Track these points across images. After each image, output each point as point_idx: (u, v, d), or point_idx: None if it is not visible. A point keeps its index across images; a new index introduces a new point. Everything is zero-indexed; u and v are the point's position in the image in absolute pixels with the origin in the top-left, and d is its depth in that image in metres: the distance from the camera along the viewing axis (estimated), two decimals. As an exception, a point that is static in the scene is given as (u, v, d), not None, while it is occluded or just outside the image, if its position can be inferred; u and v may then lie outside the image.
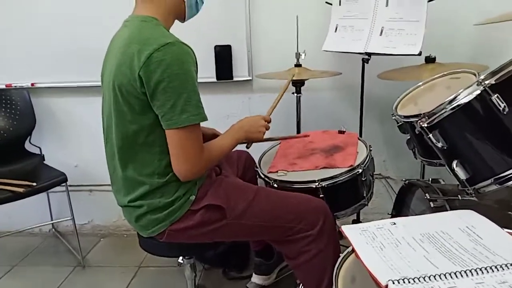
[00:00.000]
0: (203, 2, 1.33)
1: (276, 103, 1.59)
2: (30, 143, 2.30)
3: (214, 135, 1.51)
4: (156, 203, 1.24)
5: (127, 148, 1.22)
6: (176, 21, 1.33)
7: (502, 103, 1.02)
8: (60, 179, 2.08)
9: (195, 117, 1.14)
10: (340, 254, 0.91)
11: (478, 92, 1.04)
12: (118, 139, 1.22)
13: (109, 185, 1.39)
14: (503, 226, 1.01)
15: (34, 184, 1.99)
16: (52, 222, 2.48)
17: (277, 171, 1.52)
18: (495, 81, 1.03)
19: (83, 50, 2.15)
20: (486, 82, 1.04)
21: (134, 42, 1.14)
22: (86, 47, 2.14)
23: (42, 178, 2.06)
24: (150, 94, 1.12)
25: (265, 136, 1.48)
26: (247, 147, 1.52)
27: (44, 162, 2.28)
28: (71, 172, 2.19)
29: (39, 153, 2.31)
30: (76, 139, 2.40)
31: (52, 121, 2.38)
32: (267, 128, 1.48)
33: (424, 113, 1.16)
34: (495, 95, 1.03)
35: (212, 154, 1.27)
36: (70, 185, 2.16)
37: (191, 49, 1.16)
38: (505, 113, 1.03)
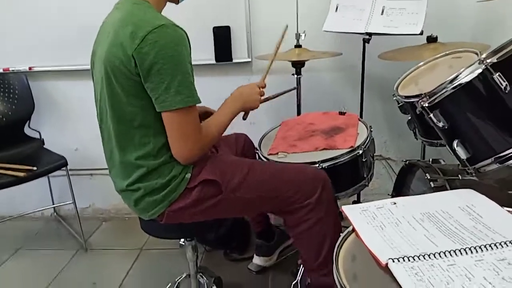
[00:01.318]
0: None
1: (269, 65, 1.55)
2: (29, 127, 2.30)
3: (206, 112, 1.50)
4: (153, 185, 1.24)
5: (124, 131, 1.21)
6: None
7: (504, 81, 1.01)
8: (60, 163, 2.08)
9: (190, 99, 1.14)
10: (341, 234, 0.91)
11: (480, 71, 1.03)
12: (114, 122, 1.21)
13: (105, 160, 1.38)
14: (503, 205, 1.02)
15: (35, 168, 1.99)
16: (53, 206, 2.50)
17: (277, 153, 1.52)
18: (497, 59, 1.02)
19: (80, 33, 2.12)
20: (488, 60, 1.02)
21: (126, 24, 1.13)
22: (83, 30, 2.10)
23: (42, 162, 2.07)
24: (143, 76, 1.11)
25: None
26: (244, 118, 1.49)
27: (44, 146, 2.28)
28: (71, 155, 2.19)
29: (39, 137, 2.31)
30: (76, 122, 2.39)
31: (51, 105, 2.37)
32: (262, 95, 1.47)
33: (425, 93, 1.15)
34: (497, 74, 1.01)
35: (211, 133, 1.27)
36: (70, 169, 2.16)
37: (185, 31, 1.15)
38: (506, 92, 1.01)
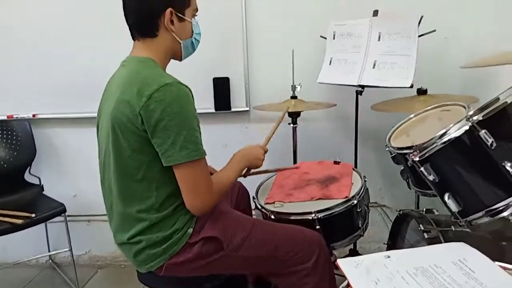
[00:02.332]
0: (199, 41, 1.38)
1: (271, 134, 1.63)
2: (30, 173, 2.32)
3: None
4: (155, 238, 1.25)
5: (126, 184, 1.24)
6: None
7: (490, 138, 1.06)
8: (59, 209, 2.09)
9: (195, 152, 1.18)
10: (336, 289, 0.93)
11: (467, 128, 1.09)
12: (117, 175, 1.24)
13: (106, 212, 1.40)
14: (496, 257, 1.03)
15: (33, 215, 2.00)
16: (49, 254, 2.47)
17: (273, 202, 1.55)
18: (482, 117, 1.08)
19: (83, 82, 2.21)
20: (474, 118, 1.08)
21: (133, 82, 1.18)
22: (87, 79, 2.20)
23: (41, 209, 2.07)
24: (150, 132, 1.16)
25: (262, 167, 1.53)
26: (245, 176, 1.54)
27: (43, 192, 2.29)
28: (70, 202, 2.20)
29: (39, 183, 2.33)
30: (75, 169, 2.43)
31: (52, 152, 2.41)
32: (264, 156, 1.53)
33: (415, 147, 1.20)
34: (483, 131, 1.07)
35: (221, 185, 1.31)
36: (68, 215, 2.17)
37: (189, 88, 1.21)
38: (493, 148, 1.06)
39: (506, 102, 1.08)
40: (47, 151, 2.40)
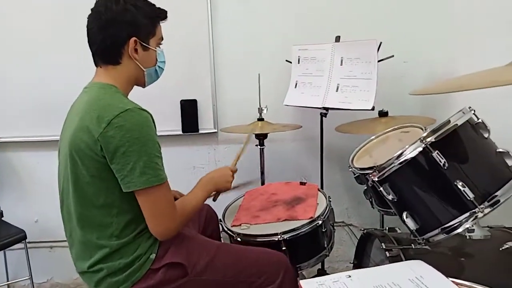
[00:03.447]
0: (163, 69, 1.39)
1: (239, 155, 1.66)
2: (-12, 199, 2.24)
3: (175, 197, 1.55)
4: (116, 265, 1.23)
5: (85, 211, 1.22)
6: None
7: (442, 159, 1.12)
8: (19, 236, 2.01)
9: (155, 178, 1.17)
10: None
11: (421, 149, 1.14)
12: (76, 202, 1.22)
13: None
14: (455, 272, 1.07)
15: (-9, 243, 1.92)
16: (8, 283, 2.35)
17: (240, 225, 1.55)
18: (435, 138, 1.14)
19: (46, 105, 2.17)
20: (428, 139, 1.14)
21: (93, 108, 1.18)
22: (49, 102, 2.16)
23: (0, 236, 1.99)
24: (109, 158, 1.15)
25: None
26: (214, 200, 1.55)
27: (3, 218, 2.20)
28: (31, 227, 2.13)
29: (-3, 209, 2.24)
30: (37, 193, 2.34)
31: (12, 176, 2.33)
32: (233, 178, 1.55)
33: (375, 167, 1.24)
34: (436, 152, 1.12)
35: (186, 209, 1.30)
36: (29, 242, 2.09)
37: (150, 113, 1.21)
38: (445, 168, 1.12)
39: (457, 124, 1.15)
40: (7, 175, 2.32)
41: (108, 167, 1.17)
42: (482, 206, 1.11)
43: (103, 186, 1.19)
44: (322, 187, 2.05)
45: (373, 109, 1.79)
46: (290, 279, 1.35)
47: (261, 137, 2.01)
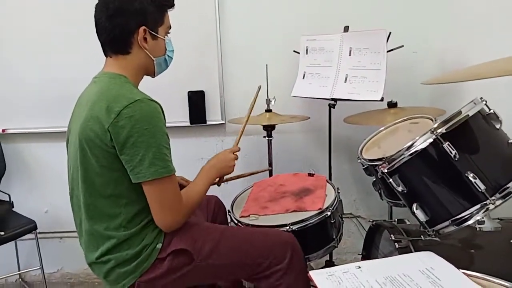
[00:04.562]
0: (172, 58, 1.39)
1: (241, 131, 1.64)
2: (-1, 189, 2.26)
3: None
4: (124, 256, 1.24)
5: (94, 201, 1.23)
6: None
7: (453, 150, 1.11)
8: (29, 227, 2.04)
9: (163, 170, 1.18)
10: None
11: (431, 140, 1.13)
12: (84, 192, 1.23)
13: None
14: (465, 264, 1.07)
15: (2, 233, 1.94)
16: (19, 272, 2.39)
17: (248, 215, 1.56)
18: (446, 129, 1.12)
19: (54, 96, 2.18)
20: (438, 130, 1.13)
21: (102, 98, 1.18)
22: (57, 93, 2.17)
23: (11, 226, 2.02)
24: (119, 149, 1.16)
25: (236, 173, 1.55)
26: (218, 185, 1.54)
27: (13, 209, 2.23)
28: (41, 218, 2.16)
29: (8, 200, 2.26)
30: (47, 184, 2.37)
31: (23, 167, 2.35)
32: (236, 159, 1.53)
33: (384, 159, 1.23)
34: (446, 143, 1.11)
35: (191, 201, 1.31)
36: (39, 232, 2.12)
37: (159, 104, 1.21)
38: (456, 159, 1.11)
39: (468, 115, 1.14)
40: (17, 166, 2.34)
41: (117, 157, 1.17)
42: (493, 198, 1.10)
43: (112, 177, 1.20)
44: (330, 179, 2.04)
45: (382, 100, 1.78)
46: (298, 258, 1.34)
47: (269, 129, 2.00)
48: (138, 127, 1.13)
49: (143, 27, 1.24)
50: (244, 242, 1.35)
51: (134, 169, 1.16)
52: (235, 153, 1.53)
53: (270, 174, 2.04)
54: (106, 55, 1.30)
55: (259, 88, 1.76)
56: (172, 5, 1.32)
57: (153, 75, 1.37)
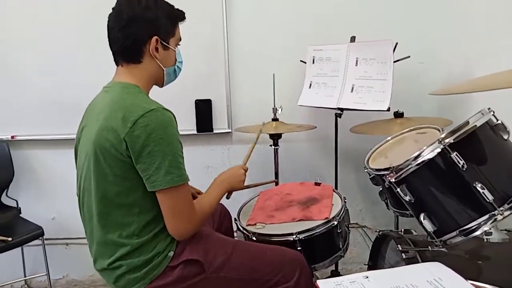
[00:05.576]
0: (180, 69, 1.41)
1: (249, 153, 1.67)
2: (7, 196, 2.27)
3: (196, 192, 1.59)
4: (135, 262, 1.24)
5: (107, 210, 1.24)
6: None
7: (461, 160, 1.11)
8: (36, 233, 2.05)
9: (179, 178, 1.19)
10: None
11: (439, 150, 1.13)
12: (98, 201, 1.24)
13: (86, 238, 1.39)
14: (473, 275, 1.06)
15: (9, 239, 1.95)
16: (25, 278, 2.39)
17: (255, 224, 1.56)
18: (453, 140, 1.13)
19: (63, 103, 2.21)
20: (446, 140, 1.13)
21: (117, 108, 1.19)
22: (67, 100, 2.20)
23: (18, 232, 2.03)
24: (135, 158, 1.17)
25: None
26: (227, 198, 1.56)
27: (21, 215, 2.24)
28: (48, 224, 2.17)
29: (16, 206, 2.28)
30: (54, 191, 2.39)
31: (30, 174, 2.37)
32: (245, 176, 1.56)
33: (392, 168, 1.23)
34: (455, 153, 1.11)
35: (204, 210, 1.32)
36: (46, 238, 2.12)
37: (172, 113, 1.23)
38: (464, 169, 1.11)
39: (476, 125, 1.14)
40: (25, 173, 2.36)
41: (132, 166, 1.18)
42: (501, 208, 1.10)
43: (126, 186, 1.21)
44: (336, 188, 2.04)
45: (388, 110, 1.78)
46: (306, 277, 1.35)
47: (276, 137, 2.01)
48: (154, 136, 1.15)
49: (156, 37, 1.26)
50: (255, 258, 1.36)
51: (150, 177, 1.18)
52: (244, 171, 1.57)
53: (276, 183, 2.05)
54: (117, 64, 1.31)
55: (263, 124, 1.81)
56: (183, 18, 1.34)
57: (161, 85, 1.38)
